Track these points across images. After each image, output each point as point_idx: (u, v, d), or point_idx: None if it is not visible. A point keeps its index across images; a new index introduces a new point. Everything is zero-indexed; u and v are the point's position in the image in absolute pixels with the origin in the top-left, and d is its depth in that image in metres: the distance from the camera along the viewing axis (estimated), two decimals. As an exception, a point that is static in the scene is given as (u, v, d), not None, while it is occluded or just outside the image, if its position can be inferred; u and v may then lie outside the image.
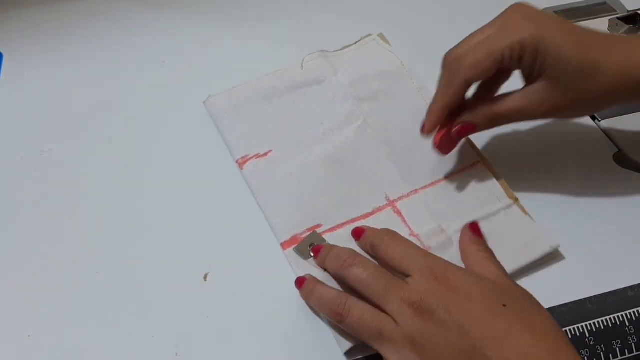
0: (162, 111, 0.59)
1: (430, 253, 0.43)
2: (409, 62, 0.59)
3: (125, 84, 0.61)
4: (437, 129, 0.48)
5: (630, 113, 0.58)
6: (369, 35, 0.62)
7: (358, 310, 0.41)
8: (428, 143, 0.51)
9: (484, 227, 0.47)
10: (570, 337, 0.43)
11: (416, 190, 0.51)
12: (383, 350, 0.39)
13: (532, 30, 0.43)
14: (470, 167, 0.52)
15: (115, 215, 0.51)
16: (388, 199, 0.50)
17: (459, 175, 0.52)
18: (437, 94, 0.47)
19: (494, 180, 0.51)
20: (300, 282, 0.45)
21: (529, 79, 0.45)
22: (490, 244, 0.46)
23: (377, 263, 0.43)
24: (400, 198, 0.50)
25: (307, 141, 0.54)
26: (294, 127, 0.55)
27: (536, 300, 0.40)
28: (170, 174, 0.53)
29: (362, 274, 0.41)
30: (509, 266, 0.45)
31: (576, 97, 0.44)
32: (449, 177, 0.52)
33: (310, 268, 0.46)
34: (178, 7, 0.69)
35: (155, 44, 0.65)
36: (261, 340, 0.44)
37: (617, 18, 0.61)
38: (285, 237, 0.48)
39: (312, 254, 0.47)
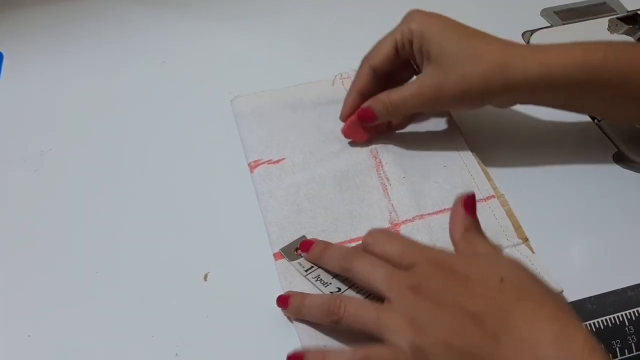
0: (162, 111, 0.59)
1: (425, 245, 0.43)
2: None
3: (126, 84, 0.61)
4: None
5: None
6: None
7: (353, 305, 0.41)
8: (443, 171, 0.51)
9: None
10: (570, 337, 0.43)
11: (422, 216, 0.49)
12: (382, 337, 0.39)
13: (420, 21, 0.49)
14: (483, 200, 0.50)
15: (115, 215, 0.51)
16: (391, 222, 0.49)
17: None
18: (352, 83, 0.53)
19: (506, 217, 0.49)
20: (284, 300, 0.44)
21: (420, 68, 0.50)
22: None
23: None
24: (404, 222, 0.49)
25: (321, 155, 0.53)
26: (311, 140, 0.54)
27: (531, 271, 0.40)
28: (170, 174, 0.53)
29: (365, 264, 0.42)
30: None
31: (457, 81, 0.48)
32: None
33: (297, 282, 0.45)
34: (178, 7, 0.70)
35: (155, 44, 0.65)
36: (261, 340, 0.43)
37: (617, 18, 0.61)
38: (279, 248, 0.47)
39: (298, 252, 0.46)
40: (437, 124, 0.55)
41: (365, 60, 0.52)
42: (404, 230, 0.48)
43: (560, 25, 0.67)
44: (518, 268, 0.40)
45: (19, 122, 0.58)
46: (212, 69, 0.63)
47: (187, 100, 0.60)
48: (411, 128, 0.55)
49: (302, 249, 0.46)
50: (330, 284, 0.45)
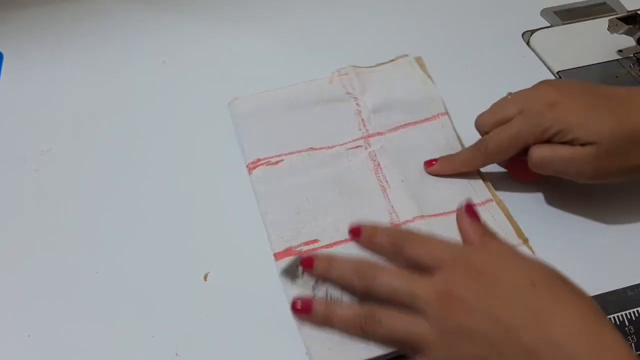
0: (162, 111, 0.59)
1: (452, 242, 0.40)
2: (441, 88, 0.58)
3: (126, 84, 0.61)
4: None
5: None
6: (405, 55, 0.61)
7: (387, 318, 0.38)
8: (435, 178, 0.52)
9: None
10: (570, 337, 0.43)
11: (422, 217, 0.49)
12: (417, 352, 0.38)
13: (554, 119, 0.46)
14: (482, 204, 0.50)
15: (115, 215, 0.51)
16: (392, 222, 0.49)
17: None
18: (461, 157, 0.52)
19: (505, 220, 0.49)
20: (305, 307, 0.40)
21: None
22: None
23: (391, 265, 0.41)
24: (404, 222, 0.49)
25: (320, 157, 0.53)
26: (310, 142, 0.54)
27: (565, 276, 0.38)
28: (171, 173, 0.53)
29: (384, 279, 0.39)
30: None
31: (615, 167, 0.46)
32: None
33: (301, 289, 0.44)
34: (178, 7, 0.69)
35: (155, 44, 0.65)
36: (261, 340, 0.44)
37: (617, 18, 0.61)
38: (279, 249, 0.47)
39: (301, 271, 0.43)
40: (436, 130, 0.55)
41: (482, 153, 0.50)
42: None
43: (560, 25, 0.67)
44: (546, 270, 0.38)
45: (19, 122, 0.58)
46: (213, 68, 0.63)
47: (187, 100, 0.60)
48: (409, 134, 0.55)
49: (304, 265, 0.43)
50: (340, 300, 0.43)
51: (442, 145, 0.54)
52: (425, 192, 0.51)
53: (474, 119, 0.57)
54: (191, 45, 0.65)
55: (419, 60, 0.61)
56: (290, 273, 0.45)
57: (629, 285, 0.46)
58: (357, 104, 0.57)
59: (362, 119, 0.56)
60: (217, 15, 0.69)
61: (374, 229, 0.43)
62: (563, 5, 0.69)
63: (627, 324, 0.44)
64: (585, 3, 0.69)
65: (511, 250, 0.40)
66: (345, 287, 0.41)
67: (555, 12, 0.68)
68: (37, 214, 0.51)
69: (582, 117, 0.46)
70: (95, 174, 0.54)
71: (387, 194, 0.51)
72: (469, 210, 0.42)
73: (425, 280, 0.38)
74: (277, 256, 0.47)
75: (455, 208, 0.47)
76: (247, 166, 0.53)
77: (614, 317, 0.44)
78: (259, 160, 0.53)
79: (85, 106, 0.59)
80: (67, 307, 0.45)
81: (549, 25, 0.67)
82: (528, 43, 0.65)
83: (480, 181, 0.52)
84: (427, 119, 0.56)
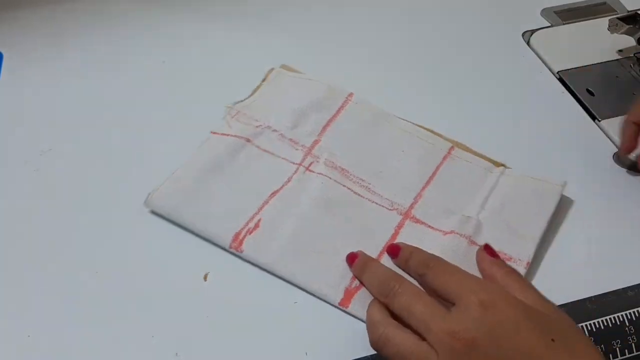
0: (162, 111, 0.59)
1: (477, 278, 0.41)
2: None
3: (126, 84, 0.61)
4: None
5: (630, 113, 0.58)
6: (272, 69, 0.60)
7: (398, 339, 0.39)
8: (396, 151, 0.53)
9: (496, 199, 0.50)
10: (570, 337, 0.43)
11: (419, 194, 0.51)
12: None
13: None
14: (448, 154, 0.53)
15: (116, 215, 0.51)
16: (401, 213, 0.49)
17: (444, 165, 0.53)
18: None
19: (476, 157, 0.53)
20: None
21: None
22: (511, 209, 0.49)
23: (419, 287, 0.42)
24: (411, 206, 0.50)
25: (288, 194, 0.50)
26: (266, 186, 0.50)
27: (581, 330, 0.39)
28: (170, 173, 0.53)
29: (407, 301, 0.40)
30: (539, 222, 0.48)
31: None
32: (436, 170, 0.52)
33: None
34: (178, 7, 0.69)
35: (155, 44, 0.65)
36: (261, 340, 0.44)
37: (617, 18, 0.61)
38: (340, 296, 0.45)
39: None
40: (355, 111, 0.56)
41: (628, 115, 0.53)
42: (416, 213, 0.49)
43: (560, 25, 0.67)
44: (566, 322, 0.38)
45: (19, 122, 0.58)
46: (213, 68, 0.63)
47: (188, 99, 0.60)
48: (338, 126, 0.55)
49: (348, 260, 0.46)
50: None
51: (369, 120, 0.56)
52: (397, 171, 0.52)
53: (475, 118, 0.57)
54: (191, 45, 0.65)
55: (285, 67, 0.61)
56: None
57: (629, 285, 0.46)
58: (275, 130, 0.54)
59: (291, 139, 0.54)
60: (218, 15, 0.69)
61: (410, 252, 0.45)
62: (563, 5, 0.69)
63: (627, 324, 0.44)
64: (585, 3, 0.69)
65: (533, 292, 0.40)
66: (369, 290, 0.44)
67: (556, 12, 0.68)
68: (37, 214, 0.51)
69: None
70: (95, 174, 0.54)
71: (374, 194, 0.51)
72: (488, 249, 0.45)
73: (441, 316, 0.38)
74: (343, 302, 0.45)
75: (431, 168, 0.52)
76: (230, 247, 0.47)
77: (614, 317, 0.44)
78: (239, 232, 0.48)
79: (85, 106, 0.59)
80: (67, 307, 0.45)
81: (549, 25, 0.67)
82: (528, 43, 0.65)
83: (432, 135, 0.54)
84: (341, 107, 0.57)
